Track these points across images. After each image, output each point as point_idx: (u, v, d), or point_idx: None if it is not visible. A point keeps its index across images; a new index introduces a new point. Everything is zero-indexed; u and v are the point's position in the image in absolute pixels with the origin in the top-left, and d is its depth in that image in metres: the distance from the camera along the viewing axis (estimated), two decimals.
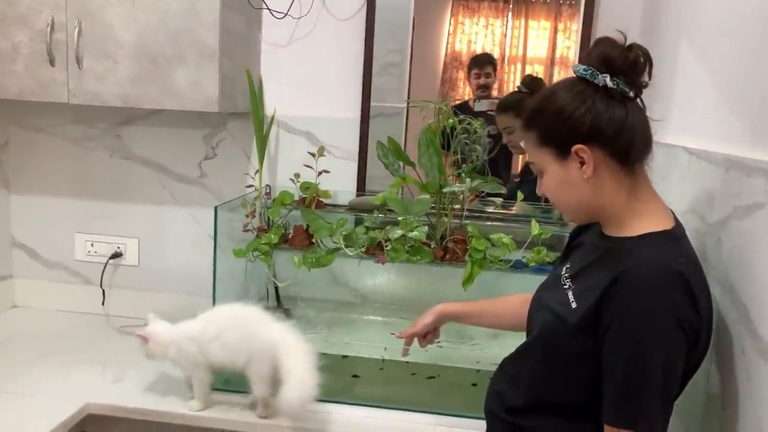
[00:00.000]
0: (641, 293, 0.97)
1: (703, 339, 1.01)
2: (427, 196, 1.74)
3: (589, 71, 1.03)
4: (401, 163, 1.80)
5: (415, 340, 1.49)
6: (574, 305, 1.07)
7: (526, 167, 2.15)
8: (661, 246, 1.02)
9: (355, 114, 1.95)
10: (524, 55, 2.86)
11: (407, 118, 2.17)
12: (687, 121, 1.39)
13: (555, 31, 2.72)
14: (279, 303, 1.93)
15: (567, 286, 1.12)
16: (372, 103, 2.00)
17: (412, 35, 2.14)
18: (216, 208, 1.63)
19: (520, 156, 2.19)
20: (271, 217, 1.78)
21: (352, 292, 2.01)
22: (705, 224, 1.22)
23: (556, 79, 2.47)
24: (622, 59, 1.03)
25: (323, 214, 1.81)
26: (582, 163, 1.04)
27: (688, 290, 0.96)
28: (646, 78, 1.05)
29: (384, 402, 1.56)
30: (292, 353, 1.43)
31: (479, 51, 2.73)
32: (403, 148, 2.05)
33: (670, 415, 1.01)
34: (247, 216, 1.76)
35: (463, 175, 1.76)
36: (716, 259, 1.15)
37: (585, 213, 1.09)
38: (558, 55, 2.70)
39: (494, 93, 2.39)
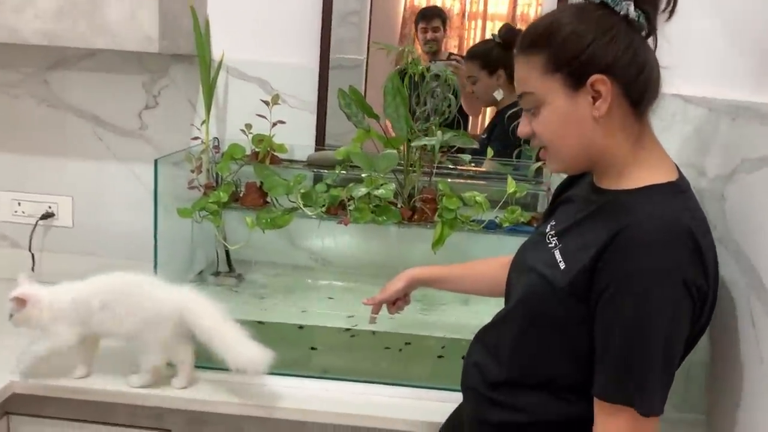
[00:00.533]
0: (644, 252, 0.84)
1: (709, 304, 0.90)
2: (394, 151, 1.59)
3: None
4: (364, 115, 1.64)
5: (384, 307, 1.36)
6: (562, 266, 0.94)
7: (492, 125, 2.01)
8: (665, 199, 0.89)
9: (314, 62, 1.77)
10: (485, 11, 2.74)
11: (367, 71, 2.02)
12: (684, 65, 1.26)
13: None
14: (230, 268, 1.77)
15: (553, 245, 1.00)
16: (331, 55, 1.83)
17: None
18: (156, 162, 1.44)
19: (488, 109, 2.05)
20: (219, 173, 1.60)
21: (312, 255, 1.85)
22: (705, 178, 1.11)
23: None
24: None
25: (278, 170, 1.64)
26: (594, 99, 0.90)
27: (697, 249, 0.85)
28: (665, 15, 0.93)
29: (345, 374, 1.42)
30: (205, 313, 1.29)
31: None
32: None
33: (669, 389, 0.90)
34: (192, 171, 1.57)
35: (434, 127, 1.61)
36: (719, 218, 1.04)
37: (582, 159, 0.95)
38: (519, 12, 2.59)
39: (444, 50, 2.26)
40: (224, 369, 1.28)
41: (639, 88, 0.91)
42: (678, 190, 0.91)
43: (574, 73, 0.89)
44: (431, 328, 1.58)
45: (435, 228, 1.56)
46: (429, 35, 2.13)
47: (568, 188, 1.12)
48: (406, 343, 1.54)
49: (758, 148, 0.94)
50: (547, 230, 1.04)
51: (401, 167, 1.62)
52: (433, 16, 2.16)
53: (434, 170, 1.63)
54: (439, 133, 1.57)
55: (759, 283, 0.90)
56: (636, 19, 0.90)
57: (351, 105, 1.63)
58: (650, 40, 0.93)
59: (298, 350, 1.53)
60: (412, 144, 1.58)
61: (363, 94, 1.92)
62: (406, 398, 1.37)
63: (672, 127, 1.23)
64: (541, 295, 0.96)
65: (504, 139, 1.84)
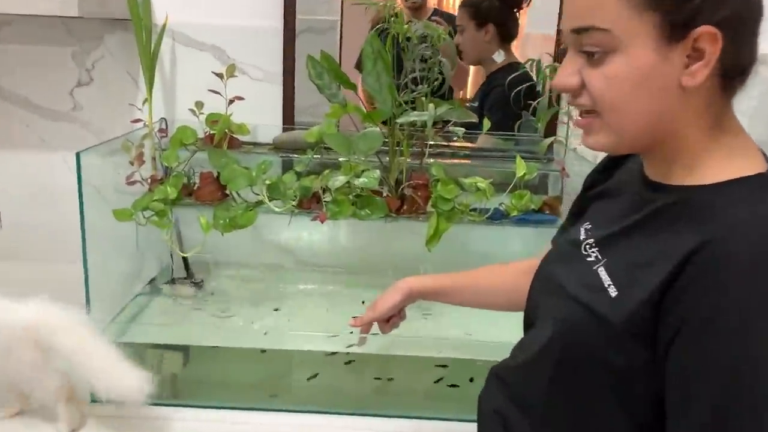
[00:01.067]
0: (742, 277, 0.59)
1: None
2: (377, 129, 1.31)
3: None
4: (340, 86, 1.36)
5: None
6: (613, 292, 0.68)
7: (483, 91, 1.73)
8: (758, 198, 0.64)
9: (277, 23, 1.48)
10: None
11: (342, 34, 1.73)
12: None
13: None
14: (188, 274, 1.49)
15: (593, 259, 0.74)
16: (298, 16, 1.55)
17: None
18: (78, 155, 1.15)
19: (472, 68, 1.76)
20: (166, 164, 1.32)
21: (285, 253, 1.58)
22: None
23: None
24: None
25: (239, 157, 1.37)
26: (690, 60, 0.64)
27: None
28: None
29: (325, 406, 1.17)
30: (66, 330, 1.01)
31: None
32: None
33: None
34: (131, 163, 1.29)
35: (423, 99, 1.34)
36: None
37: (646, 136, 0.68)
38: None
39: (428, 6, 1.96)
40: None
41: (744, 56, 0.66)
42: None
43: (678, 17, 0.62)
44: (426, 344, 1.31)
45: (429, 220, 1.30)
46: None
47: (606, 177, 0.86)
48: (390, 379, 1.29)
49: None
50: (582, 236, 0.78)
51: (386, 148, 1.35)
52: None
53: (427, 150, 1.36)
54: (431, 106, 1.29)
55: None
56: None
57: (323, 74, 1.34)
58: None
59: (264, 379, 1.28)
60: (399, 120, 1.31)
61: (338, 61, 1.65)
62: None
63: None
64: (584, 332, 0.70)
65: (503, 107, 1.58)
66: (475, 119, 1.37)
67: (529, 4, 1.64)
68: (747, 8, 0.65)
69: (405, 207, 1.34)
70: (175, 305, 1.41)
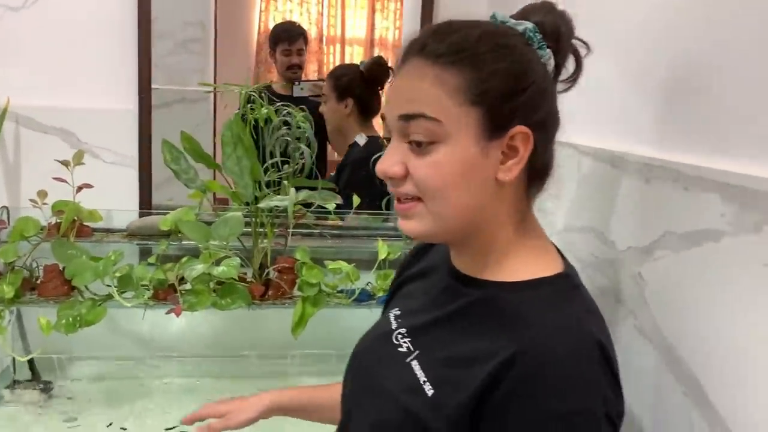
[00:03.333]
0: (559, 389, 0.61)
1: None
2: (238, 214, 1.28)
3: (538, 36, 0.68)
4: (196, 172, 1.32)
5: None
6: (429, 391, 0.67)
7: (342, 165, 1.75)
8: (561, 300, 0.67)
9: (131, 104, 1.43)
10: (343, 35, 2.59)
11: (215, 105, 1.70)
12: (572, 106, 1.06)
13: (373, 10, 2.56)
14: (34, 375, 1.36)
15: (406, 350, 0.73)
16: (170, 87, 1.53)
17: (216, 7, 1.72)
18: None
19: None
20: (3, 260, 1.21)
21: (142, 344, 1.47)
22: (613, 249, 0.90)
23: None
24: (567, 43, 0.71)
25: (89, 246, 1.29)
26: (505, 157, 0.66)
27: (610, 366, 0.64)
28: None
29: None
30: None
31: None
32: (212, 144, 1.58)
33: None
34: None
35: (286, 183, 1.32)
36: (638, 305, 0.83)
37: (459, 227, 0.69)
38: (377, 35, 2.52)
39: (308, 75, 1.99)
40: None
41: (546, 159, 0.69)
42: (571, 284, 0.69)
43: (499, 115, 0.65)
44: None
45: (295, 306, 1.27)
46: (294, 59, 1.84)
47: (417, 260, 0.86)
48: None
49: (685, 220, 0.74)
50: (393, 326, 0.77)
51: (249, 230, 1.32)
52: (296, 36, 1.87)
53: (289, 235, 1.34)
54: (292, 190, 1.28)
55: (702, 396, 0.70)
56: (552, 75, 0.69)
57: (180, 159, 1.30)
58: None
59: None
60: (261, 205, 1.29)
61: (212, 132, 1.63)
62: None
63: (573, 184, 1.02)
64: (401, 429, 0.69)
65: (361, 183, 1.59)
66: (339, 201, 1.36)
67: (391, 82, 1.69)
68: (552, 117, 0.69)
69: (270, 292, 1.31)
70: (18, 413, 1.28)
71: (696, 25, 0.77)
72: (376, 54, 2.62)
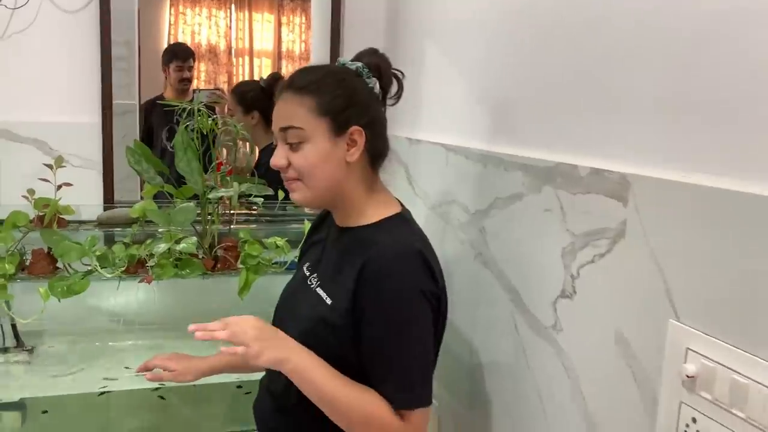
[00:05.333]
0: (388, 276, 1.01)
1: (443, 304, 1.09)
2: (191, 204, 1.62)
3: (365, 70, 1.09)
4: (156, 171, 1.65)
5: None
6: (329, 301, 1.07)
7: (258, 164, 2.10)
8: (396, 228, 1.08)
9: (93, 117, 1.74)
10: (251, 48, 2.83)
11: (140, 116, 2.00)
12: (440, 118, 1.49)
13: (279, 24, 2.80)
14: (18, 341, 1.64)
15: (314, 284, 1.13)
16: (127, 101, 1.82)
17: (138, 26, 1.96)
18: None
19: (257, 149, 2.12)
20: (2, 244, 1.50)
21: (113, 317, 1.79)
22: (467, 213, 1.32)
23: (286, 71, 2.48)
24: (387, 74, 1.13)
25: (67, 234, 1.58)
26: (349, 146, 1.06)
27: (427, 264, 1.04)
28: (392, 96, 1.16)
29: None
30: None
31: (204, 43, 2.63)
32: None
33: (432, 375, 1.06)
34: None
35: (229, 178, 1.68)
36: (482, 246, 1.26)
37: (328, 194, 1.09)
38: (285, 48, 2.79)
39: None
40: None
41: (380, 145, 1.11)
42: (403, 218, 1.11)
43: (340, 121, 1.05)
44: None
45: (240, 275, 1.63)
46: (185, 74, 2.19)
47: (315, 231, 1.27)
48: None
49: (505, 188, 1.16)
50: (307, 273, 1.17)
51: (199, 219, 1.66)
52: (188, 56, 2.24)
53: (235, 218, 1.69)
54: (235, 184, 1.64)
55: (518, 299, 1.12)
56: (379, 93, 1.11)
57: (141, 161, 1.63)
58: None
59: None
60: (209, 196, 1.63)
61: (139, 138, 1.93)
62: None
63: (439, 170, 1.45)
64: (316, 334, 1.06)
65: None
66: (271, 192, 1.72)
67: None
68: (378, 120, 1.10)
69: (219, 266, 1.65)
70: (13, 369, 1.56)
71: (506, 60, 1.21)
72: (284, 66, 2.87)
